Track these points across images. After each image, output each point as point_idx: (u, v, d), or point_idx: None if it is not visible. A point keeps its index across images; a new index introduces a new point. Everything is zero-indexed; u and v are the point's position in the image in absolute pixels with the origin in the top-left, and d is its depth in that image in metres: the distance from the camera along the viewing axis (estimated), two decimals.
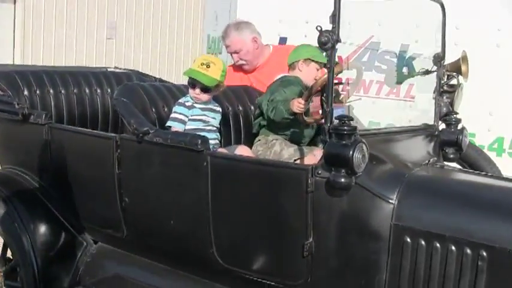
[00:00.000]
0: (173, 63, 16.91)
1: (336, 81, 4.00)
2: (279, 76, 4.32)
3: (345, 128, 2.91)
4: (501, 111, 5.87)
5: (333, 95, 3.90)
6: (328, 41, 2.98)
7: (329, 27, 3.06)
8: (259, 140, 4.15)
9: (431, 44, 6.07)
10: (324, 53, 3.08)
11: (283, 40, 6.78)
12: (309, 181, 3.00)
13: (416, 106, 6.05)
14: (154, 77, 5.47)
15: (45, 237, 4.21)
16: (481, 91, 5.63)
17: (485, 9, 5.90)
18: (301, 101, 3.78)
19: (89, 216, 4.19)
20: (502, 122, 5.89)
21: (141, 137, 3.60)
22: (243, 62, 5.05)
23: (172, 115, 3.96)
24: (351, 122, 2.94)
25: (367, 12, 5.55)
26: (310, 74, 4.24)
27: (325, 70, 3.81)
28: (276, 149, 4.03)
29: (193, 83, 3.98)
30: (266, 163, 3.36)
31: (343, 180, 2.91)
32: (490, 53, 5.69)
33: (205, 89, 3.98)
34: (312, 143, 4.31)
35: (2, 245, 4.47)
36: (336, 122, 2.97)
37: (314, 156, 4.08)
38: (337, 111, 3.05)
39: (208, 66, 3.93)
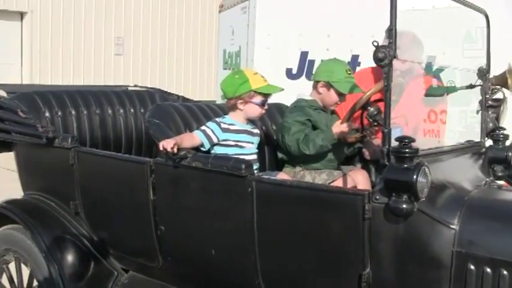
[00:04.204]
0: (186, 79, 16.80)
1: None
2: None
3: (407, 150, 2.72)
4: None
5: (375, 112, 3.78)
6: (385, 57, 2.79)
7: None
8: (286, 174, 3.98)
9: (459, 56, 5.91)
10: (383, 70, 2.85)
11: (304, 54, 6.63)
12: (366, 207, 2.81)
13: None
14: (177, 95, 5.30)
15: (73, 267, 4.01)
16: None
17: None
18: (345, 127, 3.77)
19: (120, 245, 4.01)
20: None
21: (178, 162, 3.40)
22: None
23: (202, 127, 3.74)
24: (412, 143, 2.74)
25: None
26: (329, 99, 4.08)
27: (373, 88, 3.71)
28: (307, 179, 3.91)
29: (263, 101, 3.80)
30: (318, 188, 3.14)
31: (404, 206, 2.71)
32: None
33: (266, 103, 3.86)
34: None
35: (28, 276, 4.25)
36: (395, 143, 2.78)
37: (349, 176, 3.92)
38: (395, 132, 2.86)
39: (263, 77, 3.79)
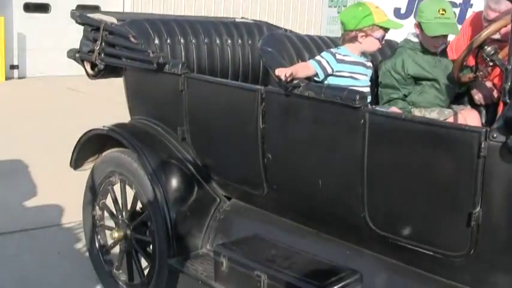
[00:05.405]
0: (287, 15, 16.66)
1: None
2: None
3: None
4: None
5: (492, 52, 3.64)
6: None
7: None
8: None
9: None
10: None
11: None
12: (482, 145, 2.72)
13: None
14: (285, 29, 5.24)
15: (178, 191, 4.06)
16: None
17: None
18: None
19: (224, 172, 4.03)
20: None
21: (290, 90, 3.38)
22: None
23: (317, 57, 3.70)
24: None
25: None
26: (424, 41, 3.95)
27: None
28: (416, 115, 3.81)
29: (383, 36, 3.77)
30: (434, 124, 3.04)
31: None
32: None
33: None
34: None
35: (132, 198, 4.34)
36: None
37: (461, 115, 3.83)
38: None
39: (383, 11, 3.78)
